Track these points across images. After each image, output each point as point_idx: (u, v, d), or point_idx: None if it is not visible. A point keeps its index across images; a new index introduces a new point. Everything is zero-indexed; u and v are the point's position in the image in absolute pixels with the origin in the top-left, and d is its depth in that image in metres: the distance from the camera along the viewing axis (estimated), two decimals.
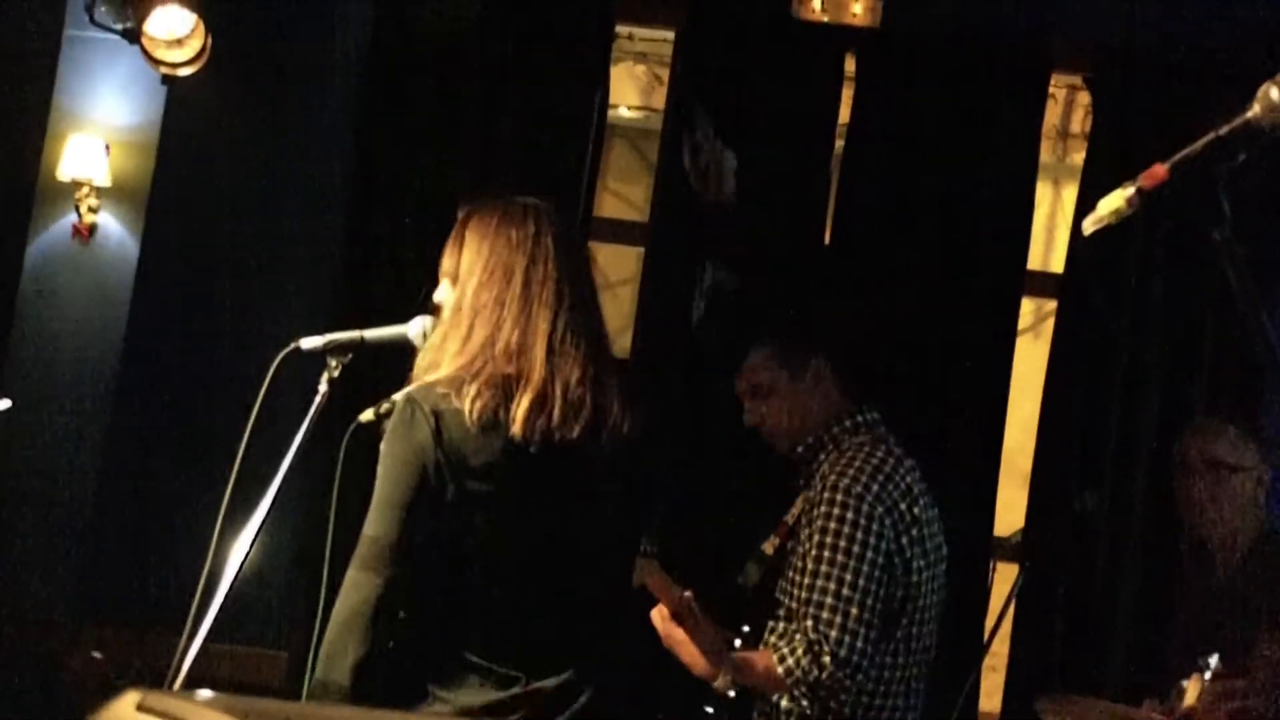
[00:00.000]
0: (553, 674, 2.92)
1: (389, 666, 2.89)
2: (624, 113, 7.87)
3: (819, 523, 3.69)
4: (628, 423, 2.97)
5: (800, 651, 3.61)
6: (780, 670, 3.61)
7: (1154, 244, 5.38)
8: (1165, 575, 5.02)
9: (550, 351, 2.93)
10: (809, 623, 3.62)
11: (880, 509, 3.70)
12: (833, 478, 3.74)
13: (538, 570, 2.96)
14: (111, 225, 5.89)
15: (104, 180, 5.87)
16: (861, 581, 3.64)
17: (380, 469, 2.89)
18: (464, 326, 2.96)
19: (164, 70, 5.65)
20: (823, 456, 3.88)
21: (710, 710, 3.76)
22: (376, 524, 2.86)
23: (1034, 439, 5.59)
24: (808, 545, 3.70)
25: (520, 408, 2.88)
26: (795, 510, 3.88)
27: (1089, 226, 1.88)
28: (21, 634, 5.34)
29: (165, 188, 5.89)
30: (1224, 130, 1.77)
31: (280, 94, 5.90)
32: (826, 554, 3.65)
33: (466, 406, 2.85)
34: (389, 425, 2.91)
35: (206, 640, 2.84)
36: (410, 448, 2.85)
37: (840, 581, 3.63)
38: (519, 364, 2.91)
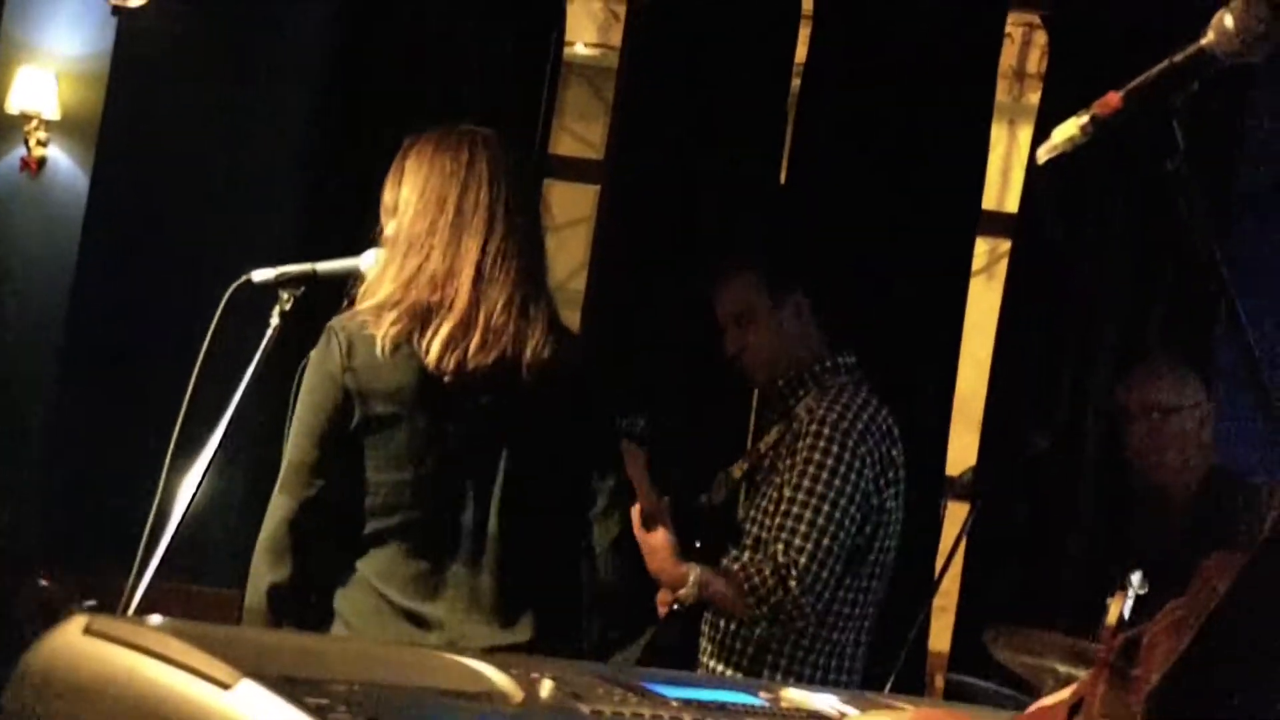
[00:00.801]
0: (476, 614, 2.89)
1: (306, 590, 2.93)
2: (581, 50, 7.82)
3: (803, 454, 3.74)
4: (549, 349, 2.91)
5: (768, 572, 3.66)
6: (746, 587, 3.64)
7: (1109, 179, 5.38)
8: (1117, 514, 5.05)
9: (478, 278, 2.91)
10: (779, 546, 3.67)
11: (863, 448, 3.77)
12: (820, 412, 3.78)
13: (450, 500, 2.92)
14: (61, 159, 5.83)
15: (53, 113, 5.81)
16: (837, 514, 3.70)
17: (299, 395, 2.95)
18: (399, 257, 2.95)
19: (114, 1, 5.58)
20: (802, 392, 3.91)
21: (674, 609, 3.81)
22: (292, 448, 2.93)
23: (986, 381, 5.61)
24: (788, 475, 3.75)
25: (438, 336, 2.87)
26: (769, 439, 3.91)
27: (1043, 155, 1.87)
28: None
29: (116, 120, 5.83)
30: (1178, 58, 1.76)
31: (233, 25, 5.84)
32: (806, 483, 3.71)
33: (380, 333, 2.87)
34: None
35: (158, 578, 2.82)
36: (321, 374, 2.91)
37: (817, 511, 3.69)
38: (445, 291, 2.90)
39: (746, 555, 3.78)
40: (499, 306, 2.90)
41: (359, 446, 2.91)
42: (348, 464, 2.91)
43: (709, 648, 3.87)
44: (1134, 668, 1.47)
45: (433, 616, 2.88)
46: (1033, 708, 1.57)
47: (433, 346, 2.86)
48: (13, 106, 5.80)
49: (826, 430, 3.75)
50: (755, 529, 3.80)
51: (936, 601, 4.84)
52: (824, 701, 1.82)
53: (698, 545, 3.83)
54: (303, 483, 2.90)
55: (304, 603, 2.94)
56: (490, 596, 2.90)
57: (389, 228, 3.02)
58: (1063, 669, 3.49)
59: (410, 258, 2.94)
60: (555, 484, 3.00)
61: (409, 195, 2.99)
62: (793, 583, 3.65)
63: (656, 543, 3.58)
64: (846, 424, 3.77)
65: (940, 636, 5.57)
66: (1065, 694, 1.52)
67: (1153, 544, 4.27)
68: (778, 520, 3.72)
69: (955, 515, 4.97)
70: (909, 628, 4.33)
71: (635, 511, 3.52)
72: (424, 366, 2.87)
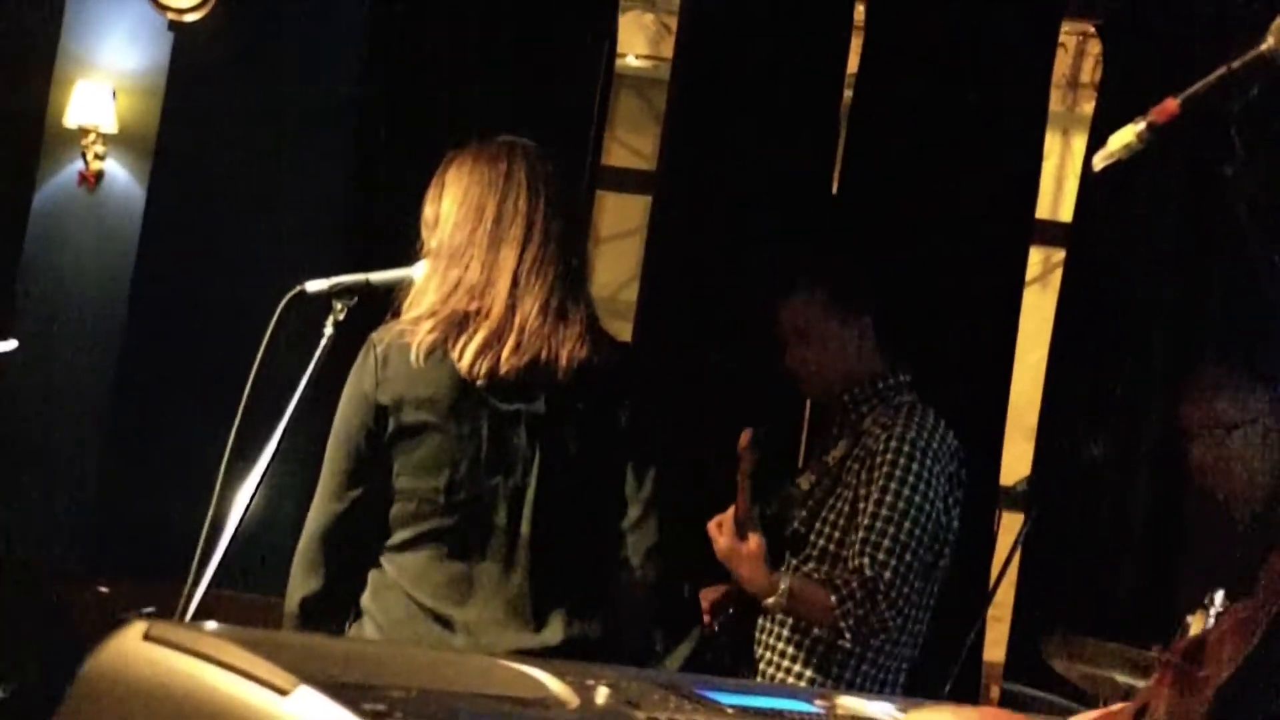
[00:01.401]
0: (505, 617, 2.90)
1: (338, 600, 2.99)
2: (632, 62, 7.83)
3: (884, 469, 3.74)
4: (585, 351, 2.91)
5: (855, 585, 3.65)
6: (833, 600, 3.65)
7: (1165, 187, 5.35)
8: (1172, 524, 5.01)
9: (514, 286, 2.93)
10: (864, 560, 3.66)
11: (938, 466, 3.78)
12: (899, 429, 3.79)
13: (483, 506, 2.92)
14: (118, 172, 5.88)
15: (111, 127, 5.85)
16: (917, 531, 3.71)
17: (338, 408, 3.02)
18: (440, 269, 2.98)
19: (170, 16, 5.64)
20: (865, 409, 3.92)
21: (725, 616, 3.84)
22: (326, 461, 3.00)
23: (1040, 391, 5.58)
24: (866, 490, 3.74)
25: (471, 342, 2.89)
26: (836, 453, 3.90)
27: (1099, 162, 1.86)
28: (29, 581, 5.35)
29: (172, 134, 5.88)
30: (1236, 64, 1.74)
31: (286, 38, 5.87)
32: (889, 499, 3.71)
33: (415, 341, 2.90)
34: None
35: (212, 587, 2.83)
36: (355, 389, 2.97)
37: (899, 527, 3.69)
38: (482, 301, 2.92)
39: (810, 566, 3.77)
40: (534, 312, 2.92)
41: (392, 456, 2.95)
42: (381, 475, 2.96)
43: (770, 657, 3.86)
44: (1200, 670, 1.46)
45: (462, 620, 2.90)
46: (1095, 713, 1.56)
47: (466, 352, 2.88)
48: (71, 120, 5.85)
49: (907, 448, 3.75)
50: (822, 542, 3.79)
51: (991, 612, 4.82)
52: (880, 709, 1.81)
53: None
54: (336, 495, 2.97)
55: (336, 613, 2.99)
56: (521, 600, 2.91)
57: (431, 241, 3.04)
58: (1121, 679, 3.46)
59: (450, 270, 2.96)
60: (589, 490, 2.99)
61: (449, 208, 3.02)
62: (880, 596, 3.65)
63: (750, 549, 3.57)
64: (923, 443, 3.78)
65: (995, 647, 5.54)
66: (1129, 704, 1.51)
67: (1210, 556, 4.22)
68: (860, 535, 3.71)
69: (1010, 525, 4.95)
70: (964, 638, 4.32)
71: (728, 517, 3.56)
72: (457, 372, 2.89)
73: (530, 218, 2.97)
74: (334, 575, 2.98)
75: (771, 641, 3.87)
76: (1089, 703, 3.60)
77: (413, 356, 2.90)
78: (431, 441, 2.92)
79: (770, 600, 3.62)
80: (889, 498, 3.71)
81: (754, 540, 3.57)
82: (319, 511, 3.00)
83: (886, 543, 3.68)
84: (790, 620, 3.82)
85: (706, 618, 3.97)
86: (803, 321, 3.95)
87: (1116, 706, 1.53)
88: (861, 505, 3.76)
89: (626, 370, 3.01)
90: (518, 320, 2.91)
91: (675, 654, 2.97)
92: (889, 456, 3.75)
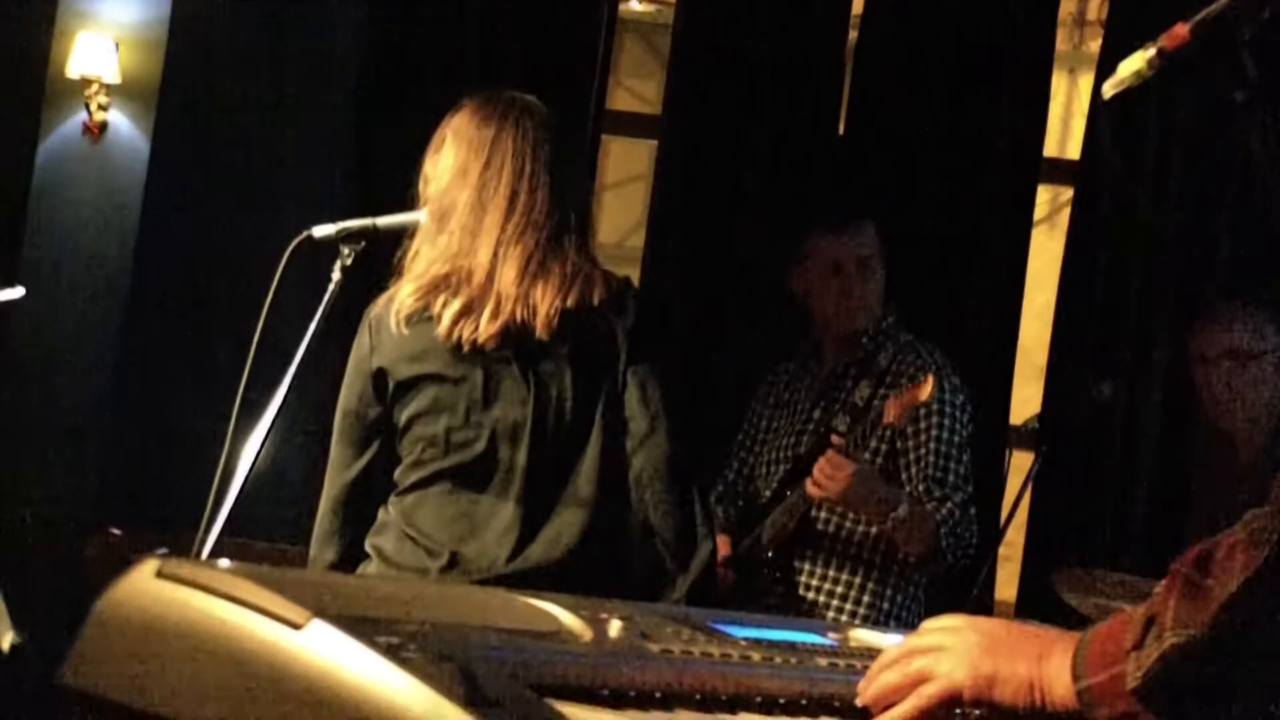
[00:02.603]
0: (504, 547, 2.92)
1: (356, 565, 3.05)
2: (635, 6, 7.80)
3: (936, 406, 3.84)
4: (571, 298, 2.93)
5: (952, 506, 3.79)
6: (939, 517, 3.77)
7: (1172, 120, 5.32)
8: (1182, 461, 5.01)
9: (495, 253, 2.95)
10: (949, 490, 3.80)
11: (962, 397, 3.92)
12: (932, 368, 3.87)
13: (480, 446, 2.95)
14: (121, 122, 5.87)
15: (114, 77, 5.83)
16: (965, 468, 3.87)
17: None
18: (430, 232, 3.02)
19: None
20: (874, 348, 4.02)
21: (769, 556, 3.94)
22: (336, 429, 3.07)
23: (1049, 332, 5.57)
24: (915, 427, 3.84)
25: (449, 310, 2.92)
26: (862, 393, 3.94)
27: (1109, 90, 1.85)
28: (39, 531, 5.37)
29: (175, 84, 5.86)
30: None
31: None
32: (945, 434, 3.84)
33: (394, 309, 2.96)
34: None
35: (223, 535, 2.84)
36: (353, 364, 3.05)
37: (959, 460, 3.86)
38: (465, 264, 2.95)
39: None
40: (513, 278, 2.93)
41: (395, 415, 3.00)
42: (387, 439, 3.03)
43: (815, 599, 3.90)
44: (1207, 578, 1.46)
45: (457, 554, 2.92)
46: (1107, 621, 1.57)
47: (444, 318, 2.92)
48: (73, 71, 5.83)
49: (949, 385, 3.87)
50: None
51: (1001, 550, 4.83)
52: (893, 641, 1.81)
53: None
54: (345, 465, 3.05)
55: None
56: (518, 527, 2.92)
57: (425, 198, 3.07)
58: (1132, 609, 3.46)
59: (438, 235, 3.00)
60: (585, 422, 2.98)
61: (440, 168, 3.04)
62: (971, 517, 3.81)
63: (866, 469, 3.70)
64: (953, 378, 3.90)
65: (1006, 585, 5.56)
66: (1138, 609, 1.52)
67: (1219, 491, 4.22)
68: (926, 470, 3.82)
69: (1019, 465, 4.95)
70: (975, 576, 4.33)
71: (831, 456, 3.67)
72: (438, 335, 2.93)
73: (514, 185, 2.98)
74: (350, 543, 3.04)
75: (817, 583, 3.91)
76: None
77: (393, 324, 2.95)
78: (429, 391, 2.97)
79: (898, 510, 3.71)
80: (945, 434, 3.83)
81: (867, 465, 3.72)
82: (330, 483, 3.07)
83: (952, 478, 3.81)
84: (836, 561, 3.87)
85: (721, 570, 3.99)
86: (868, 252, 3.99)
87: (1127, 612, 1.54)
88: (913, 443, 3.85)
89: (621, 298, 3.00)
90: (495, 287, 2.93)
91: (676, 587, 2.97)
92: (937, 396, 3.83)
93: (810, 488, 3.70)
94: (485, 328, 2.91)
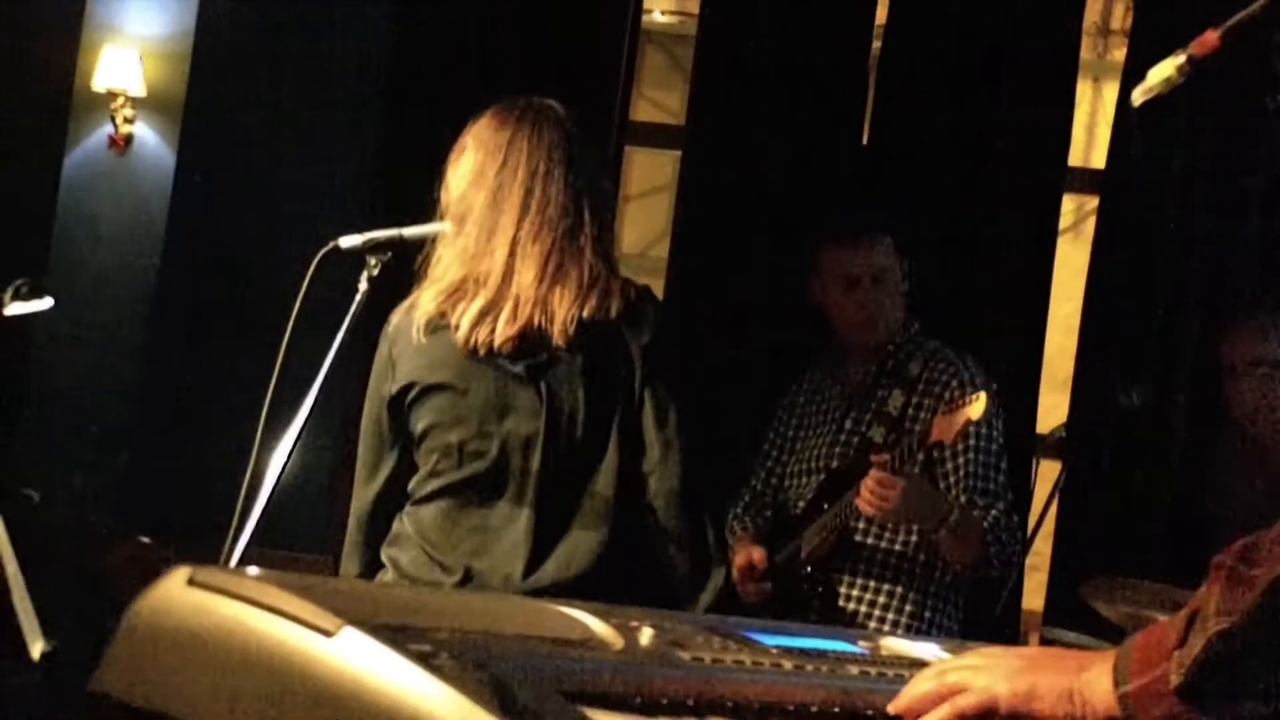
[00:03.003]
0: (517, 564, 2.91)
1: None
2: (658, 18, 7.81)
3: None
4: (587, 308, 2.92)
5: (997, 514, 3.77)
6: (986, 524, 3.76)
7: (1199, 129, 5.30)
8: (1209, 470, 4.99)
9: (512, 252, 2.94)
10: (992, 500, 3.79)
11: (996, 405, 3.87)
12: (967, 375, 3.89)
13: (493, 458, 2.95)
14: (147, 135, 5.90)
15: (139, 90, 5.86)
16: (1005, 475, 3.87)
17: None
18: (449, 238, 3.02)
19: None
20: (903, 355, 4.00)
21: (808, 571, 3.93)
22: (360, 443, 3.11)
23: (1075, 342, 5.56)
24: (962, 437, 3.79)
25: (467, 314, 2.92)
26: (895, 403, 3.92)
27: (1138, 97, 1.85)
28: (67, 538, 5.38)
29: (199, 96, 5.89)
30: None
31: None
32: (983, 443, 3.83)
33: (415, 317, 2.97)
34: None
35: (253, 545, 2.85)
36: (375, 375, 3.07)
37: (998, 468, 3.85)
38: (481, 269, 2.95)
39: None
40: (530, 280, 2.93)
41: (412, 425, 3.01)
42: (407, 450, 3.04)
43: (856, 609, 3.89)
44: (1252, 569, 1.44)
45: (471, 570, 2.92)
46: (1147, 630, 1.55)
47: (463, 323, 2.92)
48: (99, 85, 5.86)
49: (985, 395, 3.81)
50: None
51: (1029, 560, 4.82)
52: (925, 650, 1.80)
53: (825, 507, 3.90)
54: (369, 478, 3.07)
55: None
56: (525, 544, 2.92)
57: (445, 206, 3.08)
58: (1161, 617, 3.44)
59: (456, 239, 3.00)
60: (599, 441, 2.98)
61: (460, 173, 3.04)
62: (1016, 526, 3.81)
63: (916, 480, 3.67)
64: (989, 385, 3.86)
65: (1034, 595, 5.54)
66: (1182, 612, 1.49)
67: (1250, 501, 4.20)
68: (970, 484, 3.81)
69: (1046, 474, 4.94)
70: (1003, 586, 4.31)
71: (879, 473, 3.64)
72: (456, 344, 2.94)
73: (529, 185, 2.97)
74: (375, 554, 3.05)
75: (857, 594, 3.90)
76: None
77: (413, 332, 2.96)
78: (444, 401, 2.97)
79: (946, 524, 3.69)
80: (984, 443, 3.82)
81: (917, 475, 3.69)
82: (356, 497, 3.10)
83: (993, 487, 3.81)
84: (876, 573, 3.86)
85: (755, 586, 3.97)
86: (883, 264, 3.97)
87: (1168, 619, 1.51)
88: (950, 451, 3.83)
89: (639, 311, 2.99)
90: (514, 289, 2.93)
91: (699, 603, 2.96)
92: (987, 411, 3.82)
93: (864, 506, 3.68)
94: (502, 330, 2.91)
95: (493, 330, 2.91)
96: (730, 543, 4.10)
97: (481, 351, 2.92)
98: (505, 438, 2.94)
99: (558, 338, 2.91)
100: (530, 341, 2.92)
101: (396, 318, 3.02)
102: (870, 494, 3.64)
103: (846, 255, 4.00)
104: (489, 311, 2.92)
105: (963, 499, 3.78)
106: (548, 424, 2.94)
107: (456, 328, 2.92)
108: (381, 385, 3.02)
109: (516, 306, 2.91)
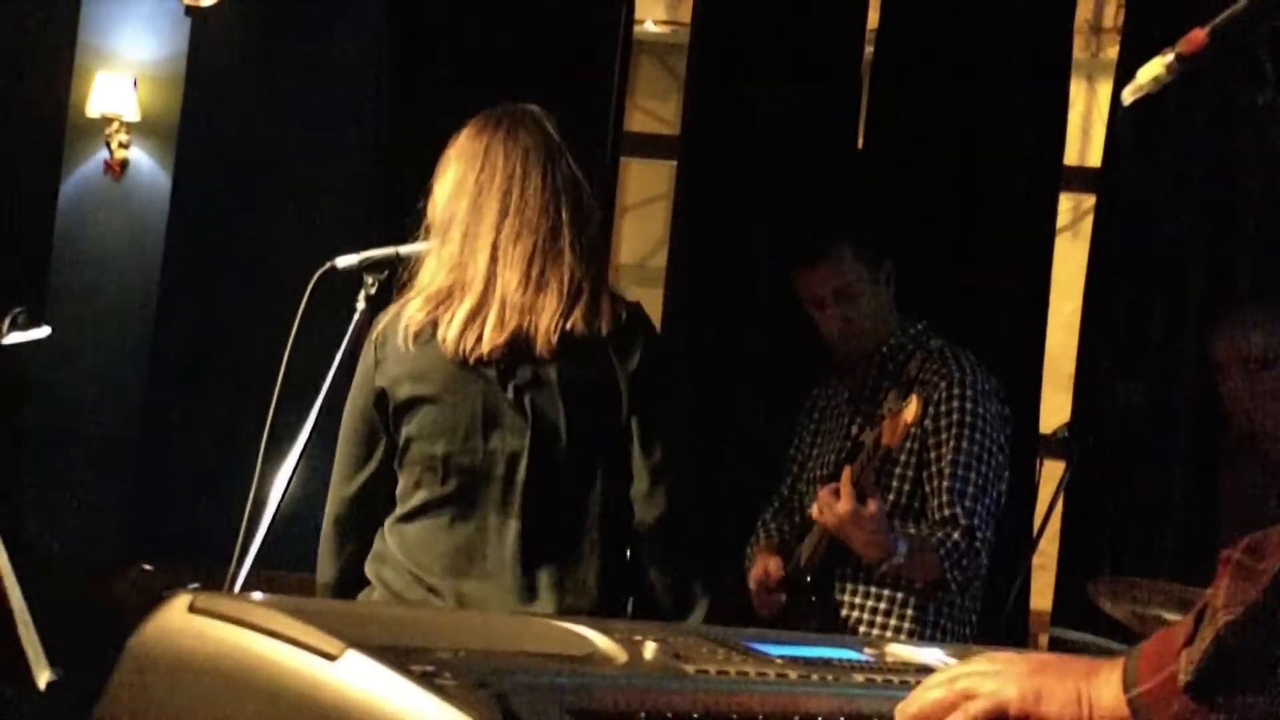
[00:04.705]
0: (504, 589, 2.89)
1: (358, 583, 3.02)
2: (650, 27, 7.81)
3: (953, 416, 3.80)
4: (571, 321, 2.90)
5: (957, 537, 3.70)
6: (942, 552, 3.68)
7: (1192, 125, 5.30)
8: (1212, 465, 4.98)
9: (493, 258, 2.93)
10: (958, 510, 3.72)
11: (994, 406, 3.86)
12: (955, 374, 3.85)
13: (479, 474, 2.93)
14: (143, 159, 5.90)
15: (133, 115, 5.87)
16: (991, 473, 3.79)
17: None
18: (433, 245, 3.01)
19: (186, 1, 5.63)
20: (903, 357, 3.96)
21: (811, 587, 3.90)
22: (340, 444, 3.06)
23: (1076, 340, 5.56)
24: (936, 439, 3.79)
25: (454, 320, 2.91)
26: (891, 407, 3.91)
27: (1128, 95, 1.84)
28: (70, 567, 5.38)
29: (195, 120, 5.89)
30: None
31: (304, 18, 5.87)
32: (964, 445, 3.77)
33: (403, 324, 2.94)
34: None
35: (256, 567, 2.85)
36: (359, 376, 3.04)
37: (978, 471, 3.77)
38: (464, 274, 2.94)
39: (896, 523, 3.78)
40: (514, 284, 2.91)
41: (395, 434, 2.99)
42: (387, 455, 3.01)
43: (859, 616, 3.88)
44: (1260, 562, 1.43)
45: (458, 593, 2.90)
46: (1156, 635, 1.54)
47: (450, 331, 2.91)
48: (93, 111, 5.86)
49: (970, 393, 3.82)
50: (892, 496, 3.83)
51: (1036, 560, 4.81)
52: (930, 656, 1.80)
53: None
54: (347, 479, 3.04)
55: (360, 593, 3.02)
56: (514, 570, 2.90)
57: (430, 218, 3.07)
58: (1170, 615, 3.45)
59: (441, 244, 2.99)
60: (584, 457, 2.97)
61: (443, 187, 3.04)
62: (978, 542, 3.71)
63: (871, 513, 3.57)
64: (981, 385, 3.84)
65: (1041, 595, 5.53)
66: (1191, 612, 1.49)
67: (1247, 494, 4.20)
68: (944, 483, 3.76)
69: (1051, 474, 4.93)
70: (1010, 587, 4.31)
71: (844, 483, 3.56)
72: (444, 352, 2.91)
73: (506, 188, 2.96)
74: (353, 557, 3.03)
75: (859, 600, 3.89)
76: (1138, 642, 3.58)
77: (400, 339, 2.94)
78: (429, 413, 2.95)
79: (894, 560, 3.63)
80: (964, 444, 3.77)
81: (873, 504, 3.57)
82: (333, 498, 3.07)
83: (971, 489, 3.74)
84: (877, 579, 3.84)
85: (769, 596, 3.96)
86: (841, 281, 3.96)
87: (1179, 621, 1.51)
88: (934, 454, 3.80)
89: (629, 336, 2.97)
90: (498, 293, 2.92)
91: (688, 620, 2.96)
92: (955, 404, 3.81)
93: (815, 514, 3.67)
94: (490, 336, 2.89)
95: (480, 337, 2.89)
96: (749, 551, 4.11)
97: (470, 359, 2.90)
98: (492, 453, 2.93)
99: (542, 349, 2.90)
100: (517, 352, 2.91)
101: (383, 323, 3.00)
102: (820, 502, 3.63)
103: (805, 277, 4.01)
104: (475, 316, 2.90)
105: (941, 499, 3.75)
106: (533, 442, 2.92)
107: (444, 335, 2.91)
108: (366, 386, 3.00)
109: (503, 312, 2.90)
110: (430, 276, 2.98)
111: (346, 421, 3.04)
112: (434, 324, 2.93)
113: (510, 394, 2.93)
